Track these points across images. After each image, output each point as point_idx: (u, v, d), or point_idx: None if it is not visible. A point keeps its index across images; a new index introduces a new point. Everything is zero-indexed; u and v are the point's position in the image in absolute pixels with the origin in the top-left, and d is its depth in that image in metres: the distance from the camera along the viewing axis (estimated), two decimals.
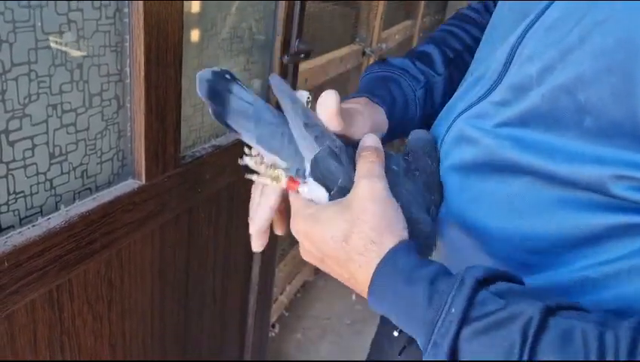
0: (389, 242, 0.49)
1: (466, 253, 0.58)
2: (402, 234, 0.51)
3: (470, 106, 0.59)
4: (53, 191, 0.78)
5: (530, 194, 0.52)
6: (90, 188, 0.85)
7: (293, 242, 2.41)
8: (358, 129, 0.60)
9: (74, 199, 0.82)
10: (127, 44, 0.84)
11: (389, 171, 0.56)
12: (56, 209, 0.79)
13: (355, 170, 0.55)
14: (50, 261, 0.76)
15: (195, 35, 1.02)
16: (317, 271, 2.47)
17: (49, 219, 0.77)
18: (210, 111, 0.59)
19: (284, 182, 0.59)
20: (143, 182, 0.92)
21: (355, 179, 0.53)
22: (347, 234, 0.51)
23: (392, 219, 0.51)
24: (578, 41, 0.47)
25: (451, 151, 0.60)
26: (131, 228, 0.93)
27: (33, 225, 0.75)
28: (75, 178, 0.82)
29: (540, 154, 0.50)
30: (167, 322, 1.15)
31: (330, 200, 0.55)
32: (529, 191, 0.52)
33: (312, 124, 0.56)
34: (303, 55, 1.27)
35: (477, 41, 0.77)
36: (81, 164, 0.82)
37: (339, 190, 0.55)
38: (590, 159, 0.47)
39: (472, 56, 0.77)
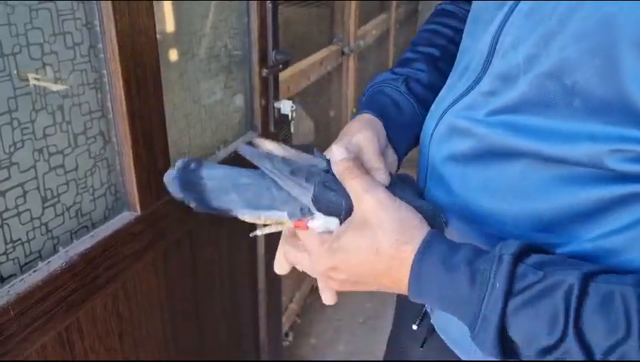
0: (417, 237, 0.52)
1: (478, 241, 0.59)
2: (424, 226, 0.53)
3: (458, 99, 0.60)
4: (49, 234, 0.79)
5: (532, 176, 0.53)
6: (86, 226, 0.86)
7: None
8: (369, 151, 0.62)
9: (72, 239, 0.83)
10: (106, 79, 0.84)
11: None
12: (55, 251, 0.80)
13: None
14: (56, 303, 0.77)
15: (172, 60, 1.03)
16: None
17: (49, 262, 0.77)
18: (192, 205, 0.60)
19: (290, 222, 0.60)
20: (139, 212, 0.93)
21: (355, 197, 0.55)
22: (376, 248, 0.52)
23: (408, 217, 0.53)
24: (558, 25, 0.48)
25: (443, 145, 0.61)
26: (133, 259, 0.93)
27: (34, 271, 0.75)
28: (70, 218, 0.82)
29: (534, 138, 0.52)
30: (182, 345, 1.16)
31: (341, 224, 0.57)
32: (530, 173, 0.53)
33: (296, 170, 0.58)
34: (281, 65, 1.28)
35: (459, 32, 0.78)
36: (75, 204, 0.83)
37: (346, 213, 0.57)
38: (584, 137, 0.48)
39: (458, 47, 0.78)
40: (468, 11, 0.78)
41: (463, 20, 0.78)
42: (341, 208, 0.57)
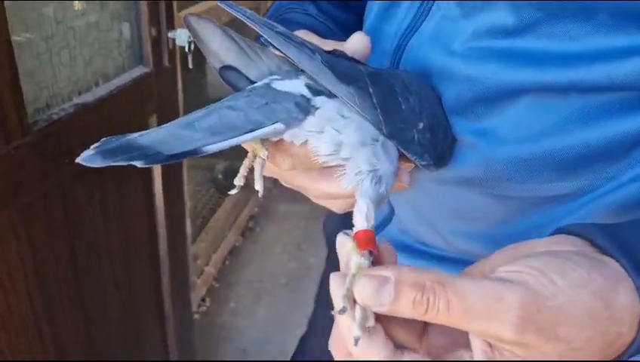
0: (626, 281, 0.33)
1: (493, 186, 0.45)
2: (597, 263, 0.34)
3: (411, 28, 0.47)
4: None
5: (546, 113, 0.42)
6: None
7: (214, 207, 2.22)
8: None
9: None
10: None
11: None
12: None
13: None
14: None
15: None
16: (243, 234, 2.31)
17: None
18: (138, 165, 0.34)
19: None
20: None
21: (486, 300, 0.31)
22: (606, 302, 0.32)
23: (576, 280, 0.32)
24: None
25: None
26: None
27: None
28: None
29: (543, 65, 0.40)
30: (62, 327, 0.95)
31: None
32: (540, 111, 0.42)
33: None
34: None
35: None
36: None
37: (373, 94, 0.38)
38: (629, 52, 0.38)
39: None
40: None
41: None
42: (364, 76, 0.38)
